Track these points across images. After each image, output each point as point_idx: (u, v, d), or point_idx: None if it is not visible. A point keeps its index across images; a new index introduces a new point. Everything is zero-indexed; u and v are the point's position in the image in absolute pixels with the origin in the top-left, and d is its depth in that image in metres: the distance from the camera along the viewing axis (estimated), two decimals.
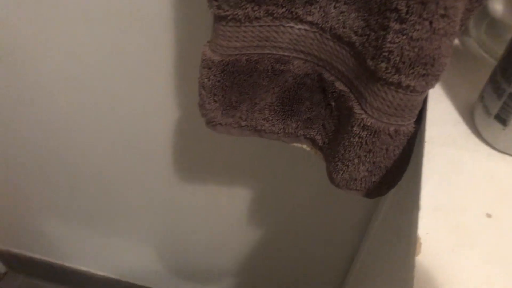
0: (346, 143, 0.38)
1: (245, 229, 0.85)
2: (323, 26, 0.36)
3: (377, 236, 0.65)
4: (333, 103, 0.40)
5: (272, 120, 0.44)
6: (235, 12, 0.36)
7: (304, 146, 0.46)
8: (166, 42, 0.55)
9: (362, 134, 0.37)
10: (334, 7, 0.35)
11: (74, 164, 0.82)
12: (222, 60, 0.39)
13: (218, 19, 0.37)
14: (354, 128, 0.37)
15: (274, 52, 0.39)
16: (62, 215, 0.99)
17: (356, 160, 0.39)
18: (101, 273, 1.16)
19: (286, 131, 0.44)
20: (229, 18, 0.36)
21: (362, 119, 0.36)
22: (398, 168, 0.39)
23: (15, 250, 1.19)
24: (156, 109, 0.65)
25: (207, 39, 0.40)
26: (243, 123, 0.44)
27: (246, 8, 0.35)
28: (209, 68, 0.40)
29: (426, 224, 0.30)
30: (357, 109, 0.36)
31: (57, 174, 0.86)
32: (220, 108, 0.43)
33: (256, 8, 0.35)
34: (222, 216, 0.84)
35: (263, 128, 0.45)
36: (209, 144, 0.69)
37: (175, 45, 0.55)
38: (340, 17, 0.35)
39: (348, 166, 0.39)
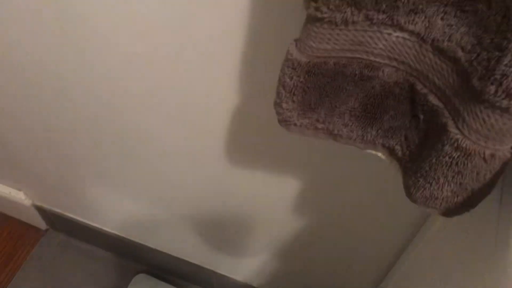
0: (433, 161, 0.36)
1: (289, 217, 0.84)
2: (424, 37, 0.34)
3: (426, 249, 0.63)
4: (421, 116, 0.38)
5: (351, 125, 0.42)
6: (333, 15, 0.33)
7: (379, 154, 0.44)
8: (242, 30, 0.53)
9: (454, 154, 0.35)
10: (442, 19, 0.32)
11: (124, 133, 0.83)
12: (309, 62, 0.38)
13: (313, 20, 0.35)
14: (446, 147, 0.35)
15: (365, 57, 0.37)
16: (107, 182, 1.01)
17: (441, 180, 0.37)
18: (136, 240, 1.19)
19: (364, 138, 0.42)
20: (325, 20, 0.34)
21: (457, 139, 0.34)
22: (484, 191, 0.37)
23: (57, 209, 1.22)
24: (217, 92, 0.64)
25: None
26: (320, 126, 0.43)
27: (346, 12, 0.33)
28: (294, 68, 0.38)
29: None
30: (451, 128, 0.34)
31: (107, 140, 0.87)
32: (298, 108, 0.42)
33: (355, 12, 0.33)
34: (267, 202, 0.83)
35: (340, 133, 0.43)
36: (265, 130, 0.68)
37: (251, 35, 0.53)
38: (447, 30, 0.32)
39: (431, 184, 0.37)
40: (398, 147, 0.41)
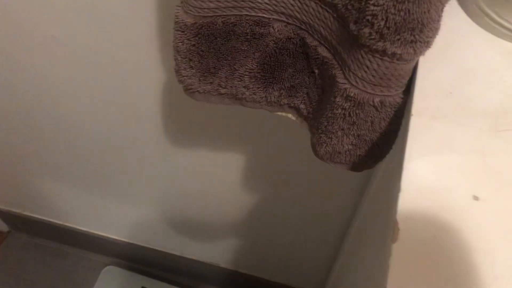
0: (329, 115, 0.35)
1: (239, 193, 0.83)
2: None
3: (366, 215, 0.63)
4: (316, 71, 0.37)
5: (252, 88, 0.41)
6: None
7: (289, 115, 0.43)
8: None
9: (345, 105, 0.34)
10: None
11: (71, 126, 0.81)
12: (195, 23, 0.36)
13: None
14: (337, 99, 0.34)
15: (253, 14, 0.36)
16: (61, 176, 0.99)
17: (339, 133, 0.36)
18: (100, 233, 1.17)
19: (269, 100, 0.41)
20: None
21: (345, 89, 0.33)
22: (385, 141, 0.36)
23: (16, 210, 1.20)
24: (148, 71, 0.62)
25: None
26: (223, 91, 0.41)
27: None
28: (182, 31, 0.37)
29: (406, 207, 0.27)
30: (340, 78, 0.33)
31: (56, 135, 0.85)
32: (197, 74, 0.40)
33: None
34: (216, 180, 0.82)
35: (243, 96, 0.42)
36: (202, 107, 0.66)
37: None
38: None
39: (331, 138, 0.37)
40: (302, 106, 0.40)
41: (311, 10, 0.34)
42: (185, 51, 0.38)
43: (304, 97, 0.40)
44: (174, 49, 0.39)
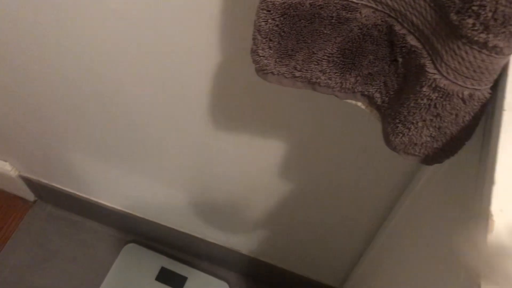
0: (412, 104, 0.35)
1: (273, 182, 0.83)
2: None
3: (410, 212, 0.63)
4: (400, 59, 0.37)
5: (329, 72, 0.41)
6: None
7: (359, 104, 0.43)
8: None
9: (432, 96, 0.34)
10: None
11: (108, 100, 0.81)
12: (284, 2, 0.36)
13: None
14: (424, 89, 0.34)
15: None
16: (93, 151, 0.99)
17: (420, 124, 0.36)
18: (125, 209, 1.18)
19: (343, 86, 0.41)
20: None
21: (435, 79, 0.33)
22: (463, 136, 0.36)
23: (44, 180, 1.21)
24: (198, 49, 0.63)
25: None
26: (297, 74, 0.42)
27: None
28: (269, 11, 0.37)
29: (500, 200, 0.28)
30: (430, 68, 0.33)
31: (91, 109, 0.85)
32: (275, 55, 0.40)
33: None
34: (251, 165, 0.82)
35: (318, 80, 0.42)
36: (249, 92, 0.66)
37: None
38: None
39: (410, 129, 0.37)
40: (377, 95, 0.40)
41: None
42: (267, 30, 0.38)
43: (380, 85, 0.40)
44: (256, 28, 0.39)
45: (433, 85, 0.33)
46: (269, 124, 0.71)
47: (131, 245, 1.25)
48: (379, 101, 0.41)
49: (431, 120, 0.35)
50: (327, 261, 1.01)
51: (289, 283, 1.16)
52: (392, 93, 0.39)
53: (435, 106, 0.34)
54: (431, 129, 0.36)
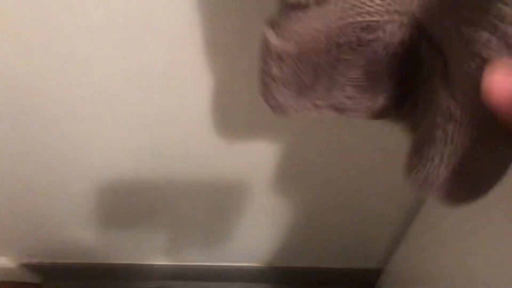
0: (428, 137, 0.30)
1: (288, 189, 0.79)
2: None
3: None
4: (428, 78, 0.32)
5: (355, 97, 0.36)
6: None
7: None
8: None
9: (448, 127, 0.28)
10: None
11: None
12: (299, 49, 0.31)
13: (296, 7, 0.28)
14: (437, 119, 0.28)
15: (360, 19, 0.31)
16: (82, 221, 0.93)
17: (436, 161, 0.30)
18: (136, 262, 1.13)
19: (373, 109, 0.37)
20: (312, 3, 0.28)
21: (448, 106, 0.27)
22: (494, 174, 0.30)
23: (46, 261, 1.15)
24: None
25: None
26: (320, 103, 0.37)
27: None
28: (281, 60, 0.32)
29: None
30: (443, 93, 0.28)
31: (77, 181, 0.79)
32: (293, 94, 0.36)
33: None
34: (263, 174, 0.77)
35: (344, 107, 0.37)
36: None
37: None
38: None
39: (425, 165, 0.31)
40: (409, 119, 0.36)
41: (435, 6, 0.29)
42: (283, 77, 0.34)
43: (411, 108, 0.35)
44: (267, 75, 0.34)
45: (448, 113, 0.28)
46: (275, 133, 0.67)
47: None
48: (410, 125, 0.36)
49: (449, 156, 0.29)
50: (364, 248, 0.99)
51: (329, 279, 1.13)
52: (421, 117, 0.34)
53: (451, 140, 0.29)
54: (450, 166, 0.30)
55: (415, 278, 0.78)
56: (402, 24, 0.31)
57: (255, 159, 0.72)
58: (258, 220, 0.91)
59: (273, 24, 0.31)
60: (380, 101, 0.36)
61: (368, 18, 0.31)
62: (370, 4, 0.30)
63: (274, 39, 0.31)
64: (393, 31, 0.31)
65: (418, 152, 0.31)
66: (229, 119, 0.64)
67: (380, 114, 0.37)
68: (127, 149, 0.70)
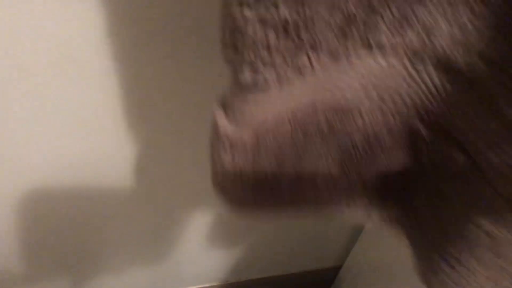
0: (459, 239, 0.25)
1: None
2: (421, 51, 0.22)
3: None
4: (430, 169, 0.26)
5: (328, 196, 0.30)
6: (282, 70, 0.21)
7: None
8: None
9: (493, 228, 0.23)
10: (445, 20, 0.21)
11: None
12: (257, 137, 0.25)
13: (249, 88, 0.22)
14: (475, 219, 0.23)
15: (331, 102, 0.25)
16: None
17: (472, 265, 0.25)
18: None
19: (351, 208, 0.30)
20: (269, 82, 0.21)
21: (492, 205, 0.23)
22: None
23: None
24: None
25: None
26: (287, 198, 0.30)
27: (302, 58, 0.21)
28: (235, 150, 0.25)
29: None
30: (481, 190, 0.23)
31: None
32: (252, 188, 0.29)
33: (314, 56, 0.21)
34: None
35: (319, 201, 0.30)
36: None
37: None
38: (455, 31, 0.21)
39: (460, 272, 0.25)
40: (403, 217, 0.29)
41: (420, 85, 0.23)
42: (237, 168, 0.27)
43: (405, 205, 0.29)
44: (220, 166, 0.27)
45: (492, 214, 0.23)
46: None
47: None
48: (407, 225, 0.29)
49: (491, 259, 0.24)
50: (320, 250, 0.93)
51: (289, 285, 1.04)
52: (425, 214, 0.28)
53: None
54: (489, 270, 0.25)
55: (374, 270, 0.77)
56: (381, 108, 0.25)
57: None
58: (203, 239, 0.83)
59: (225, 106, 0.25)
60: (359, 199, 0.29)
61: (342, 101, 0.25)
62: (343, 83, 0.24)
63: (226, 125, 0.24)
64: (371, 114, 0.25)
65: (441, 254, 0.26)
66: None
67: (362, 215, 0.30)
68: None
